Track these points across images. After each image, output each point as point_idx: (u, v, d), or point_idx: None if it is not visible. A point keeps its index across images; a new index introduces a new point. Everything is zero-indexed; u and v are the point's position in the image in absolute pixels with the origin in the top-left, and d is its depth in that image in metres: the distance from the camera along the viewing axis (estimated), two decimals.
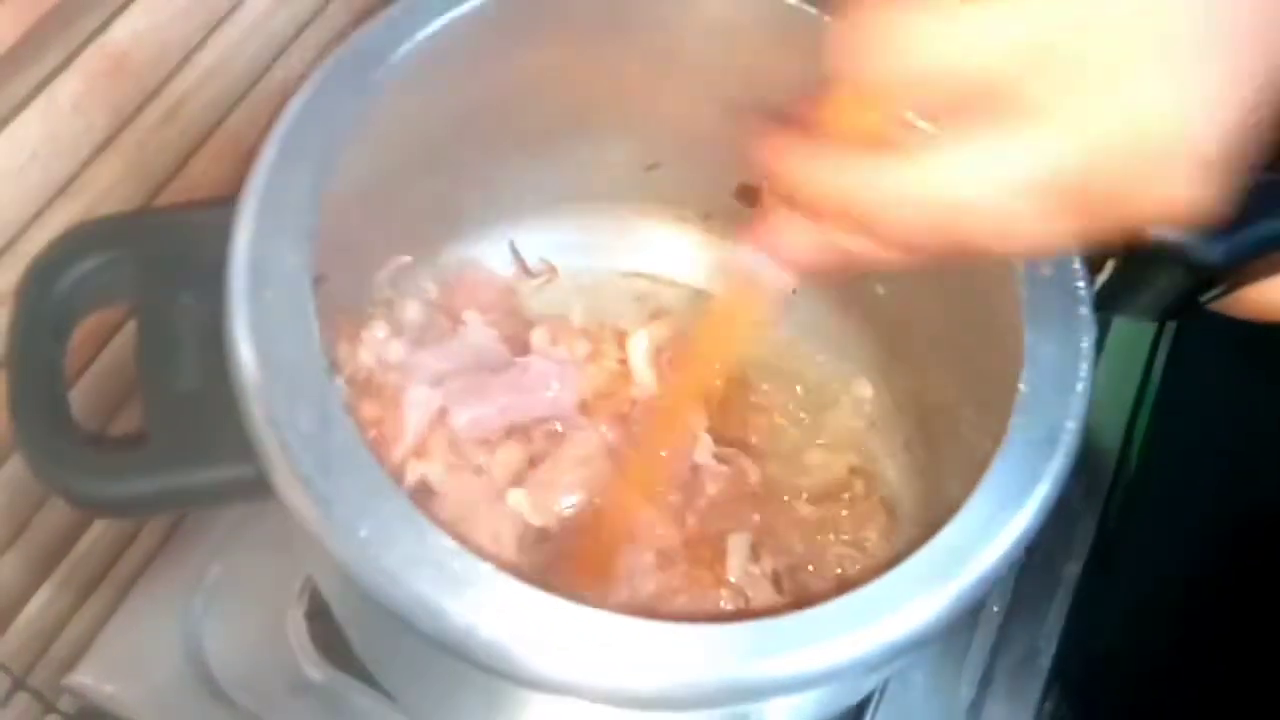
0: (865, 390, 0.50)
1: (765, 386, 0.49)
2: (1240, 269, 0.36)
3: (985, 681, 0.48)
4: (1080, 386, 0.34)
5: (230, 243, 0.33)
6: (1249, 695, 0.51)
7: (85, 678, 0.47)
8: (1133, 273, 0.37)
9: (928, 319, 0.46)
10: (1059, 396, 0.34)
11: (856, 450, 0.48)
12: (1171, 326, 0.61)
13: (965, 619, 0.30)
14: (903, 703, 0.47)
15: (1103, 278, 0.37)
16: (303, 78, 0.40)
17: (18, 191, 0.37)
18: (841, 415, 0.50)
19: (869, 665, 0.30)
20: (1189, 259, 0.35)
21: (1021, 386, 0.34)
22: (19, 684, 0.48)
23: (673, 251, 0.53)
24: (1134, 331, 0.59)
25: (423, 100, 0.40)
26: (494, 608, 0.28)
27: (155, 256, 0.35)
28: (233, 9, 0.42)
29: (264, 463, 0.30)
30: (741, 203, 0.50)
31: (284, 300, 0.32)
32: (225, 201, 0.34)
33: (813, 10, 0.40)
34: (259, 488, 0.31)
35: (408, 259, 0.46)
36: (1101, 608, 0.54)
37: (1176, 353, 0.61)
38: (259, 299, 0.32)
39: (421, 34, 0.38)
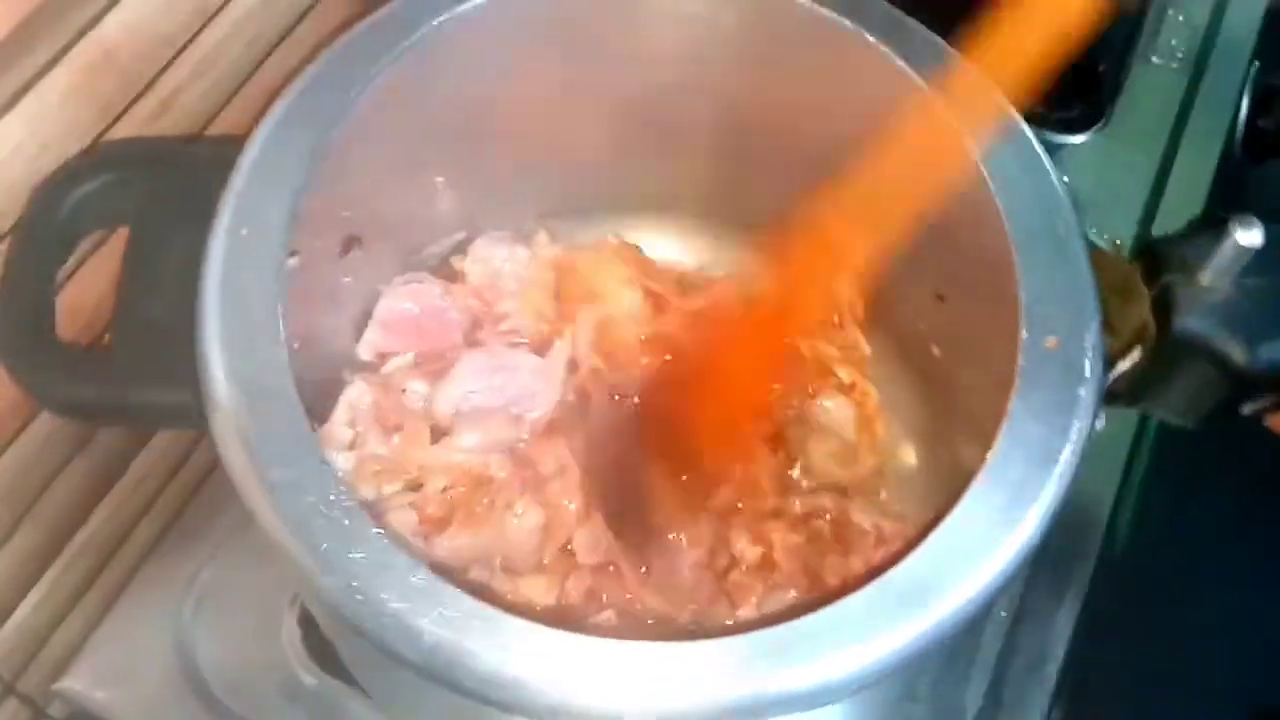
0: (909, 457, 0.48)
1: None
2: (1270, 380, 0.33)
3: (993, 690, 0.48)
4: (1056, 470, 0.31)
5: (225, 185, 0.34)
6: (1254, 700, 0.51)
7: (76, 683, 0.47)
8: (1161, 364, 0.34)
9: (976, 378, 0.43)
10: (1028, 478, 0.31)
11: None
12: None
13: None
14: (910, 711, 0.46)
15: (1125, 365, 0.35)
16: (296, 72, 0.40)
17: (6, 185, 0.37)
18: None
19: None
20: (1223, 359, 0.32)
21: (989, 456, 0.32)
22: (9, 689, 0.47)
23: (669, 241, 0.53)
24: None
25: (433, 81, 0.40)
26: (375, 570, 0.29)
27: (158, 184, 0.37)
28: (224, 4, 0.42)
29: (204, 395, 0.32)
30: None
31: (256, 243, 0.33)
32: (234, 139, 0.35)
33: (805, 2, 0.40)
34: (197, 417, 0.32)
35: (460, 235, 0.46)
36: (1109, 614, 0.53)
37: None
38: (234, 238, 0.33)
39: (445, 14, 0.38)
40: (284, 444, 0.31)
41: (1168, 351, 0.34)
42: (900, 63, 0.39)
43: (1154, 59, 0.66)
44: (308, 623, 0.47)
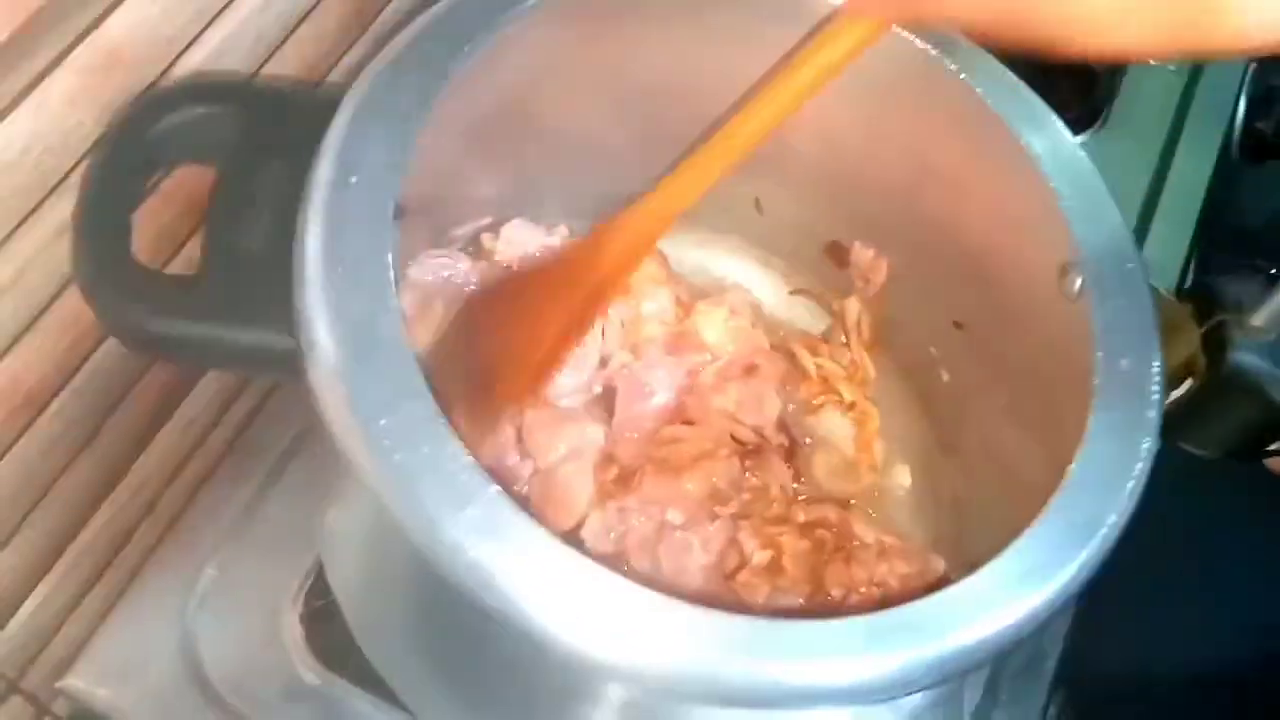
0: (904, 478, 0.49)
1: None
2: None
3: (990, 687, 0.48)
4: (1131, 485, 0.33)
5: (330, 125, 0.33)
6: (1253, 699, 0.51)
7: (79, 681, 0.47)
8: (1211, 396, 0.36)
9: (984, 406, 0.45)
10: (1108, 489, 0.33)
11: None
12: None
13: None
14: (908, 708, 0.47)
15: (1178, 393, 0.37)
16: (300, 76, 0.40)
17: (10, 188, 0.37)
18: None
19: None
20: (1269, 393, 0.34)
21: (1073, 468, 0.33)
22: (13, 687, 0.47)
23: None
24: None
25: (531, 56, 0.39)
26: (487, 530, 0.28)
27: (253, 120, 0.36)
28: (226, 4, 0.42)
29: (304, 338, 0.30)
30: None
31: (365, 192, 0.32)
32: (333, 86, 0.36)
33: None
34: (292, 363, 0.31)
35: (487, 219, 0.46)
36: (1106, 614, 0.54)
37: None
38: (342, 184, 0.32)
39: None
40: (393, 395, 0.29)
41: (1218, 386, 0.36)
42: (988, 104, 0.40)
43: (1151, 60, 0.66)
44: (310, 621, 0.48)
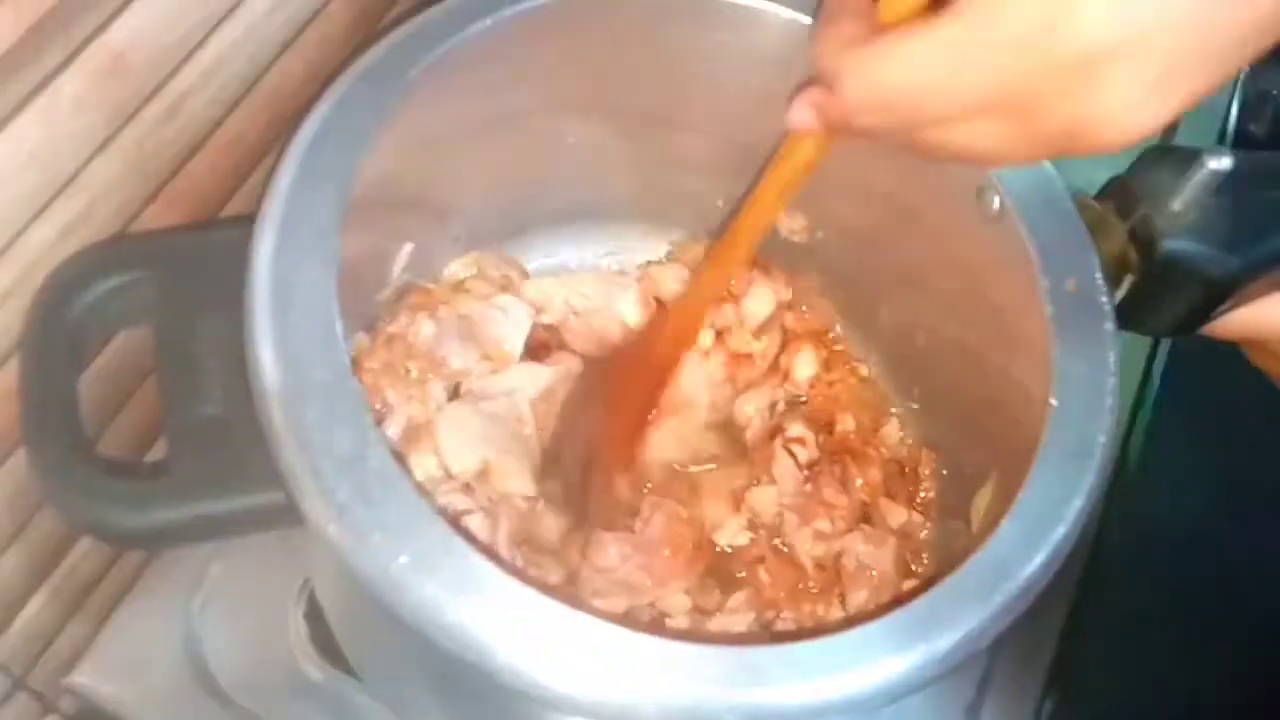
0: (895, 431, 0.50)
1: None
2: (1248, 285, 0.36)
3: (984, 681, 0.48)
4: (1109, 401, 0.35)
5: (250, 263, 0.32)
6: (1246, 693, 0.51)
7: (85, 678, 0.47)
8: (1152, 287, 0.37)
9: (955, 354, 0.46)
10: (1090, 411, 0.34)
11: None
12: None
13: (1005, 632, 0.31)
14: (901, 702, 0.47)
15: (1121, 293, 0.38)
16: (306, 79, 0.41)
17: (17, 191, 0.37)
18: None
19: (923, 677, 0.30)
20: (1206, 272, 0.36)
21: (1053, 401, 0.34)
22: (19, 684, 0.47)
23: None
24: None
25: (441, 109, 0.40)
26: (539, 642, 0.28)
27: (174, 278, 0.34)
28: (233, 8, 0.42)
29: (295, 490, 0.29)
30: None
31: (310, 321, 0.31)
32: (245, 220, 0.33)
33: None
34: (290, 514, 0.30)
35: (410, 245, 0.46)
36: (1100, 607, 0.54)
37: (1175, 354, 0.61)
38: (284, 321, 0.30)
39: (441, 47, 0.38)
40: (409, 533, 0.28)
41: (1156, 276, 0.37)
42: None
43: None
44: (315, 618, 0.48)
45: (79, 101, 0.38)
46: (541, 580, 0.41)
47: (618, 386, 0.47)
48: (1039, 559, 0.32)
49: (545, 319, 0.50)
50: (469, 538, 0.30)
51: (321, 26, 0.47)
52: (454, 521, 0.39)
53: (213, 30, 0.42)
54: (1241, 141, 0.67)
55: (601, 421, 0.46)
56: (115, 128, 0.40)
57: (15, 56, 0.35)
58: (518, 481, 0.44)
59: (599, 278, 0.52)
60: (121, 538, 0.32)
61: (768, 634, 0.43)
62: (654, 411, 0.48)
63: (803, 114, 0.34)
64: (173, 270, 0.34)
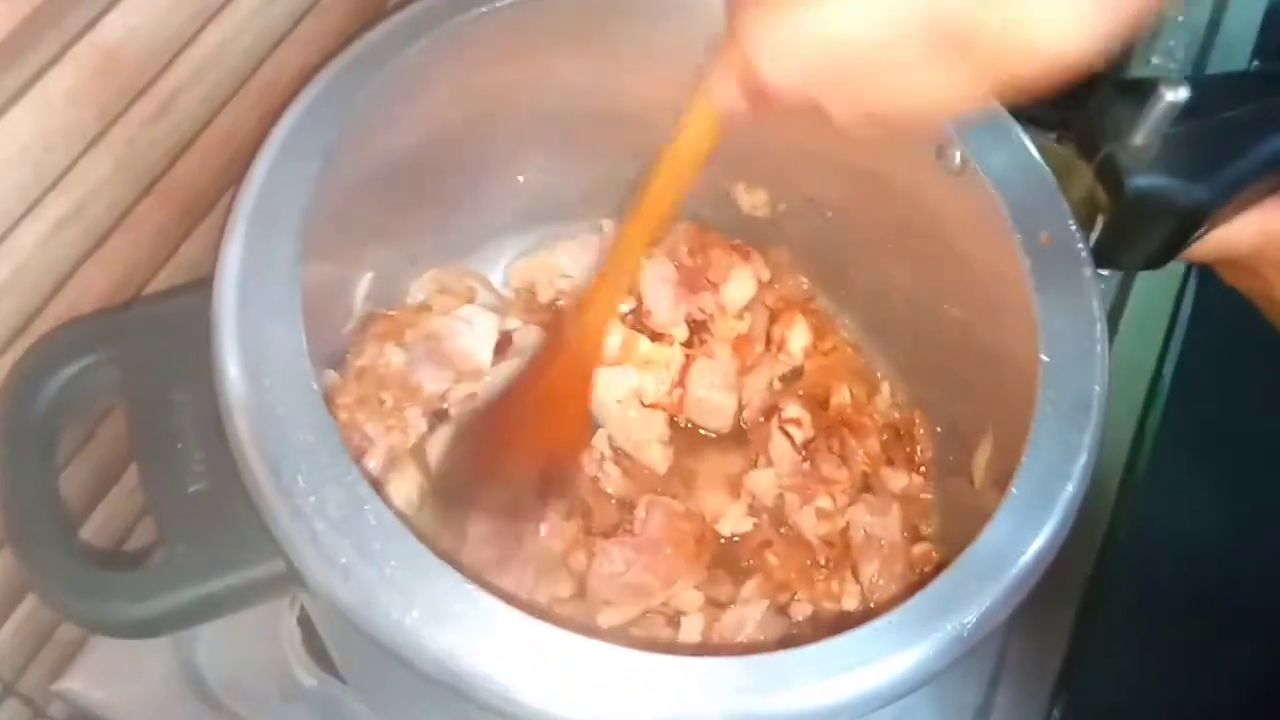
0: (885, 396, 0.50)
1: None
2: (1220, 211, 0.36)
3: (993, 684, 0.48)
4: (1099, 349, 0.34)
5: (214, 329, 0.31)
6: (1254, 698, 0.51)
7: (76, 683, 0.47)
8: (1125, 225, 0.37)
9: (932, 313, 0.45)
10: (1082, 363, 0.34)
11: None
12: (1184, 318, 0.60)
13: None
14: (909, 703, 0.46)
15: (1095, 234, 0.38)
16: (299, 75, 0.40)
17: (8, 187, 0.37)
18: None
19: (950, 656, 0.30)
20: (1176, 205, 0.36)
21: (1043, 357, 0.34)
22: (9, 689, 0.47)
23: None
24: (1145, 331, 0.59)
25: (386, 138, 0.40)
26: (563, 679, 0.28)
27: (138, 353, 0.33)
28: (225, 3, 0.42)
29: (295, 558, 0.28)
30: None
31: (285, 383, 0.30)
32: (203, 284, 0.32)
33: None
34: (293, 580, 0.29)
35: (370, 274, 0.46)
36: (1108, 611, 0.53)
37: (1184, 361, 0.60)
38: (258, 386, 0.30)
39: (378, 75, 0.37)
40: (418, 586, 0.28)
41: (1127, 214, 0.37)
42: None
43: (1153, 60, 0.67)
44: (307, 623, 0.47)
45: (70, 97, 0.38)
46: (553, 604, 0.41)
47: (540, 407, 0.43)
48: (1051, 524, 0.31)
49: (541, 298, 0.50)
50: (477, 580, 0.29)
51: (315, 22, 0.47)
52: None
53: (205, 26, 0.42)
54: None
55: (530, 443, 0.42)
56: (107, 124, 0.40)
57: (6, 51, 0.35)
58: None
59: (574, 248, 0.51)
60: (125, 630, 0.31)
61: (787, 622, 0.42)
62: (586, 418, 0.45)
63: (724, 87, 0.31)
64: (135, 346, 0.33)
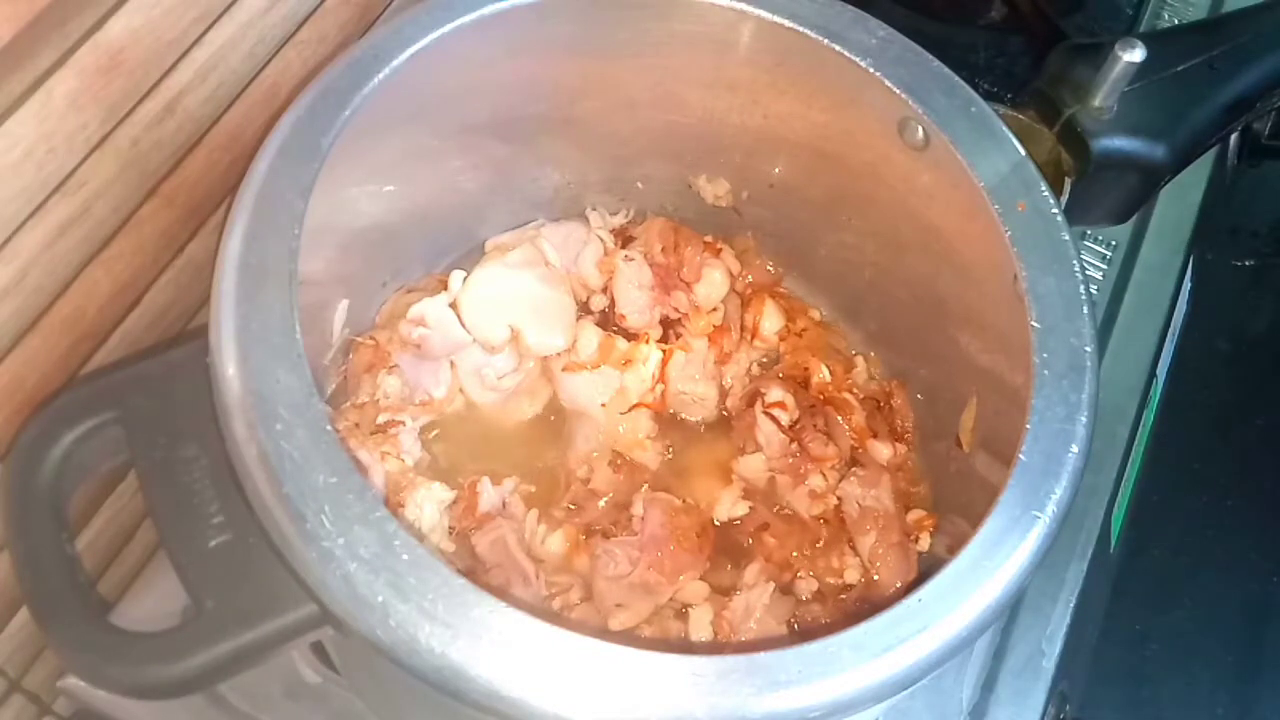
0: (863, 369, 0.51)
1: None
2: (1184, 167, 0.37)
3: (988, 685, 0.48)
4: (1086, 310, 0.35)
5: (217, 380, 0.30)
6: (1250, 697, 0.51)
7: (81, 680, 0.47)
8: (1092, 187, 0.38)
9: (903, 283, 0.46)
10: (1070, 325, 0.34)
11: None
12: (1181, 314, 0.61)
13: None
14: (904, 705, 0.47)
15: (1064, 198, 0.38)
16: (300, 83, 0.40)
17: (13, 189, 0.37)
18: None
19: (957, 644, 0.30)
20: (1140, 163, 0.36)
21: (1034, 324, 0.34)
22: (14, 686, 0.47)
23: None
24: (1142, 323, 0.59)
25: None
26: (612, 695, 0.28)
27: (140, 411, 0.32)
28: (229, 5, 0.42)
29: (329, 601, 0.28)
30: None
31: (297, 427, 0.29)
32: (199, 334, 0.31)
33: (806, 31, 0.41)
34: (329, 620, 0.29)
35: (346, 301, 0.46)
36: (1104, 611, 0.54)
37: (1180, 357, 0.61)
38: (270, 431, 0.29)
39: (346, 109, 0.36)
40: (451, 612, 0.28)
41: (1092, 177, 0.38)
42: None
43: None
44: None
45: (75, 99, 0.38)
46: (565, 611, 0.41)
47: None
48: (1060, 486, 0.32)
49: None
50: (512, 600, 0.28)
51: (319, 23, 0.47)
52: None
53: (209, 28, 0.42)
54: (1245, 141, 0.67)
55: None
56: (111, 125, 0.40)
57: (10, 54, 0.35)
58: (550, 338, 0.46)
59: (560, 231, 0.52)
60: (162, 692, 0.30)
61: (793, 600, 0.43)
62: None
63: None
64: (137, 404, 0.33)
